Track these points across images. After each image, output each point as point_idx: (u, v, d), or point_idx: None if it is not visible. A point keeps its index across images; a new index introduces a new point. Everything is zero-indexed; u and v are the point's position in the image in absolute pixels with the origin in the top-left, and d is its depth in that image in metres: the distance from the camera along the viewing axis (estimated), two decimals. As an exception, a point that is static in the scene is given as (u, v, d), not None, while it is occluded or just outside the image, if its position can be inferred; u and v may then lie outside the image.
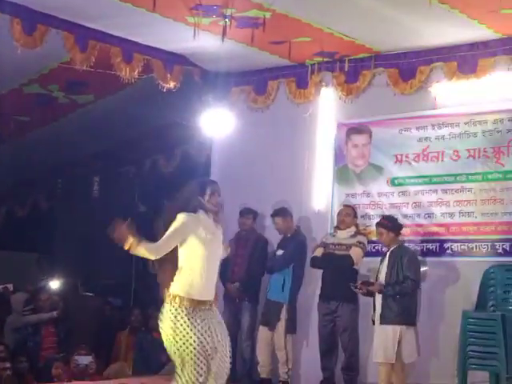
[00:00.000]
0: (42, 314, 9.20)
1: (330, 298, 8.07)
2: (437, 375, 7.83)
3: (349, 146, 8.88)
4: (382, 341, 7.46)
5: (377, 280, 7.65)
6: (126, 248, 5.23)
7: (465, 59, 8.03)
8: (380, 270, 7.68)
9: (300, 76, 9.09)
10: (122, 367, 8.87)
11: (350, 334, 8.02)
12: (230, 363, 5.48)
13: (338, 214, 8.41)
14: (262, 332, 8.45)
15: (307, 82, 9.01)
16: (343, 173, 8.86)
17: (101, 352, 9.03)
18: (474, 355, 7.17)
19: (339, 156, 8.93)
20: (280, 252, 8.52)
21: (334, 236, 8.31)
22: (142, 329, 9.40)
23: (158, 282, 5.57)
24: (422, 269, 7.81)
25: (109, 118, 10.47)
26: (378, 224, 7.86)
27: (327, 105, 9.05)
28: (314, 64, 8.93)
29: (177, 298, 5.35)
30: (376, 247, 8.29)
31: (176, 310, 5.33)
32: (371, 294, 7.69)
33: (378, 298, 7.57)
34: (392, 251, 7.63)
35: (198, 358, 5.28)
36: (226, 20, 7.48)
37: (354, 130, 8.85)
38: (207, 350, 5.28)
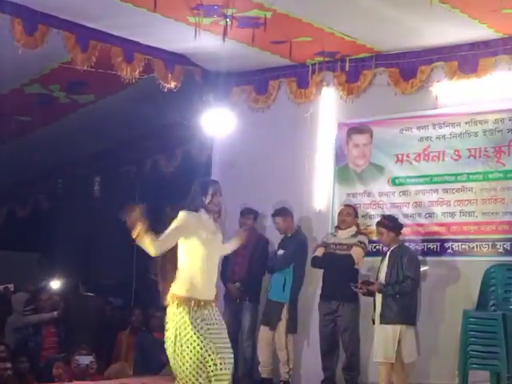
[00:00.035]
0: (42, 314, 9.20)
1: (331, 297, 8.08)
2: (437, 375, 7.83)
3: (350, 146, 8.88)
4: (381, 340, 7.48)
5: (377, 279, 7.66)
6: (134, 236, 5.22)
7: (466, 59, 8.03)
8: (380, 269, 7.70)
9: (301, 76, 9.09)
10: (123, 367, 8.87)
11: (351, 333, 8.03)
12: (232, 363, 5.50)
13: (339, 213, 8.41)
14: (263, 332, 8.45)
15: (308, 81, 9.01)
16: (344, 172, 8.86)
17: (101, 352, 9.02)
18: (475, 355, 7.17)
19: (340, 156, 8.93)
20: (281, 252, 8.52)
21: (334, 236, 8.31)
22: (142, 329, 9.39)
23: (158, 289, 5.59)
24: (422, 268, 7.82)
25: (110, 118, 10.47)
26: (378, 223, 7.87)
27: (328, 104, 9.05)
28: (315, 64, 8.93)
29: (178, 298, 5.36)
30: (377, 247, 8.29)
31: (177, 309, 5.35)
32: (371, 294, 7.70)
33: (378, 297, 7.58)
34: (392, 251, 7.64)
35: (198, 359, 5.29)
36: (227, 20, 7.49)
37: (354, 129, 8.85)
38: (207, 351, 5.29)
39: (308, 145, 9.04)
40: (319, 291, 8.29)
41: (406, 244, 7.95)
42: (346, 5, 7.23)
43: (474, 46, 7.99)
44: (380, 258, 7.81)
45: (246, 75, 9.46)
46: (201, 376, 5.29)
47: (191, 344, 5.28)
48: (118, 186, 12.22)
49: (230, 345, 5.49)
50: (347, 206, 8.46)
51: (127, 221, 5.22)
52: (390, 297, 7.46)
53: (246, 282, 8.65)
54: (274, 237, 8.80)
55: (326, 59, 8.77)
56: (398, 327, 7.41)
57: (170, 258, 5.49)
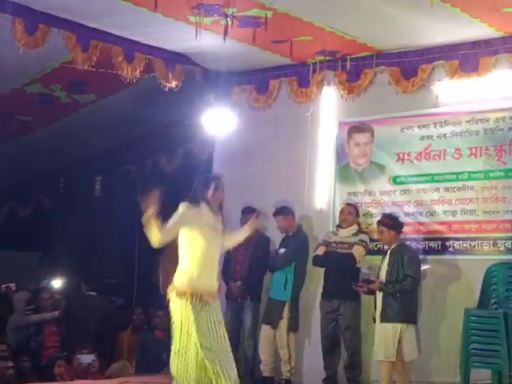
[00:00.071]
0: (44, 313, 9.21)
1: (333, 296, 8.08)
2: (439, 373, 7.84)
3: (351, 145, 8.88)
4: (382, 339, 7.49)
5: (378, 278, 7.66)
6: (145, 219, 5.27)
7: (466, 57, 8.04)
8: (381, 268, 7.71)
9: (302, 75, 9.10)
10: (125, 366, 8.88)
11: (353, 332, 8.03)
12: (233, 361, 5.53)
13: (340, 212, 8.41)
14: (265, 330, 8.46)
15: (309, 80, 9.02)
16: (345, 171, 8.87)
17: (103, 351, 9.03)
18: (477, 353, 7.17)
19: (341, 155, 8.93)
20: (282, 250, 8.53)
21: (336, 234, 8.31)
22: (144, 328, 9.40)
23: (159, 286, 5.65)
24: (423, 267, 7.83)
25: (110, 118, 10.48)
26: (378, 222, 7.88)
27: (329, 103, 9.06)
28: (316, 63, 8.93)
29: (179, 290, 5.40)
30: (378, 245, 8.29)
31: (180, 300, 5.39)
32: (372, 292, 7.71)
33: (379, 296, 7.59)
34: (392, 249, 7.65)
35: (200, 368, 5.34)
36: (228, 19, 7.50)
37: (355, 128, 8.85)
38: (209, 342, 5.33)
39: (309, 144, 9.05)
40: (320, 290, 8.29)
41: (407, 243, 7.96)
42: (346, 4, 7.23)
43: (475, 44, 7.99)
44: (381, 257, 7.82)
45: (247, 74, 9.46)
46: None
47: (191, 333, 5.32)
48: (119, 186, 12.23)
49: (230, 354, 5.52)
50: (348, 204, 8.46)
51: (142, 205, 5.32)
52: (391, 295, 7.47)
53: (247, 280, 8.65)
54: (276, 236, 8.80)
55: (327, 58, 8.77)
56: (398, 326, 7.42)
57: (170, 256, 5.53)
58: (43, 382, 7.89)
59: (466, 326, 7.26)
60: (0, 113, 10.20)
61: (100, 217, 12.48)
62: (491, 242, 7.81)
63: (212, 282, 5.59)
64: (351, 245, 8.09)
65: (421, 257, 7.89)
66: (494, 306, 7.41)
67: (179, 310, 5.41)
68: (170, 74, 8.78)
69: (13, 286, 11.05)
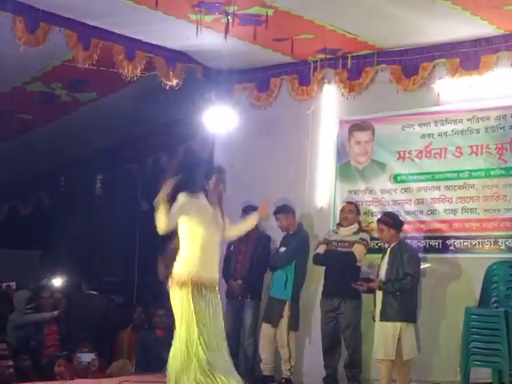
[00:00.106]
0: (44, 313, 9.20)
1: (333, 294, 8.07)
2: (439, 372, 7.83)
3: (351, 143, 8.88)
4: (381, 337, 7.48)
5: (377, 277, 7.66)
6: (156, 202, 5.30)
7: (467, 56, 8.03)
8: (380, 266, 7.70)
9: (302, 73, 9.09)
10: (125, 365, 8.87)
11: (353, 330, 8.02)
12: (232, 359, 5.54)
13: (341, 210, 8.40)
14: (265, 329, 8.45)
15: (310, 79, 9.01)
16: (346, 170, 8.86)
17: (103, 349, 9.02)
18: (477, 352, 7.16)
19: (342, 153, 8.93)
20: (282, 249, 8.52)
21: (336, 233, 8.31)
22: (144, 326, 9.40)
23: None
24: (423, 266, 7.82)
25: (111, 116, 10.47)
26: (378, 221, 7.89)
27: (330, 102, 9.05)
28: (317, 61, 8.92)
29: (180, 279, 5.41)
30: (379, 244, 8.27)
31: (181, 291, 5.40)
32: (372, 291, 7.70)
33: (379, 294, 7.58)
34: (392, 248, 7.65)
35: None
36: (229, 17, 7.49)
37: (356, 126, 8.85)
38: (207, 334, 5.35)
39: (310, 142, 9.05)
40: (321, 288, 8.29)
41: (408, 241, 7.96)
42: (347, 2, 7.23)
43: (476, 42, 7.98)
44: (381, 255, 7.82)
45: (248, 73, 9.46)
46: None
47: (191, 324, 5.33)
48: (119, 184, 12.23)
49: (228, 357, 5.54)
50: (349, 203, 8.46)
51: (160, 188, 5.38)
52: (390, 294, 7.47)
53: (247, 279, 8.64)
54: (276, 234, 8.79)
55: (328, 56, 8.77)
56: (397, 324, 7.41)
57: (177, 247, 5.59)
58: (43, 381, 7.89)
59: (466, 325, 7.25)
60: (0, 111, 10.19)
61: (101, 215, 12.48)
62: (492, 240, 7.81)
63: (212, 271, 5.61)
64: (352, 243, 8.08)
65: (421, 255, 7.89)
66: (495, 304, 7.40)
67: (179, 300, 5.43)
68: (171, 72, 8.78)
69: (13, 284, 11.04)
